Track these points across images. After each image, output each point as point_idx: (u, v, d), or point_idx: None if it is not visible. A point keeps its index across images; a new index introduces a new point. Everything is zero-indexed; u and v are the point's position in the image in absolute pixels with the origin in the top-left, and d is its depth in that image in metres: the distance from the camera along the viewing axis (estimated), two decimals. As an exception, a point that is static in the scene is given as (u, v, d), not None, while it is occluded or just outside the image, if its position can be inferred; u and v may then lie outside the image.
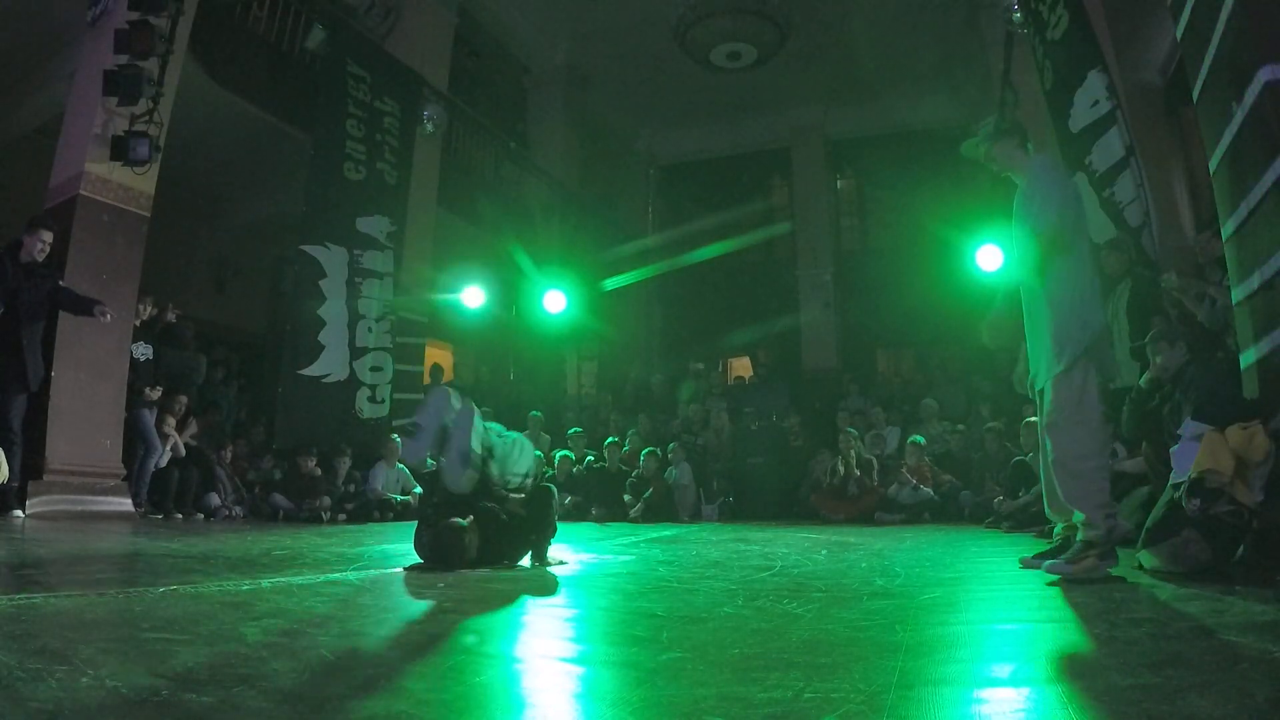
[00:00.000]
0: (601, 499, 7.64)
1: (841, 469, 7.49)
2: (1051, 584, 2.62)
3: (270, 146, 8.03)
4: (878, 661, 1.50)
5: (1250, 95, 2.98)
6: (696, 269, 13.35)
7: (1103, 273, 4.40)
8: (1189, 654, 1.53)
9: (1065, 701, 1.22)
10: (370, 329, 7.49)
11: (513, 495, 3.30)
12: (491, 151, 10.67)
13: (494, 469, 3.29)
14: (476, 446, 3.22)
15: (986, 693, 1.33)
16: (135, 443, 6.04)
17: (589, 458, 8.21)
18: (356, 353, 7.35)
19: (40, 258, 5.10)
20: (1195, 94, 3.53)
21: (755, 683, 1.33)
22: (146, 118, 5.85)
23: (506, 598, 2.46)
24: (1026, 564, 3.09)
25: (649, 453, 7.93)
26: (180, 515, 6.09)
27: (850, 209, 13.51)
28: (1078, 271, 2.89)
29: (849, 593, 2.48)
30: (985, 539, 4.93)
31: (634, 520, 7.31)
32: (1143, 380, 4.02)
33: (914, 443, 7.50)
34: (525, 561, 3.29)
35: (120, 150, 5.74)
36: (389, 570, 3.05)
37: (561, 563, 3.34)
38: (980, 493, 6.87)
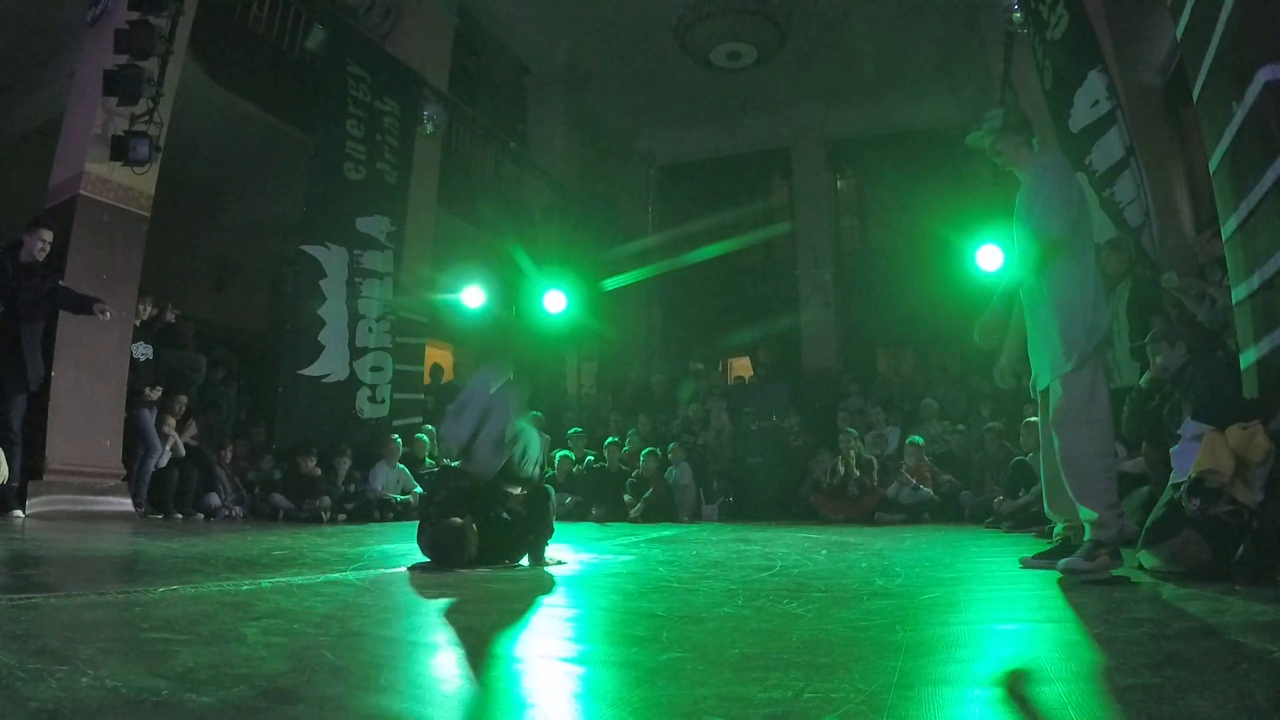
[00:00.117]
0: (601, 499, 7.63)
1: (842, 469, 7.49)
2: (1058, 582, 2.61)
3: (270, 146, 8.02)
4: (878, 661, 1.50)
5: (1250, 95, 2.98)
6: (696, 269, 13.35)
7: (1103, 272, 4.40)
8: (1189, 654, 1.53)
9: (1065, 701, 1.22)
10: (370, 329, 7.49)
11: (514, 493, 3.31)
12: (491, 151, 10.67)
13: (516, 453, 3.31)
14: (511, 431, 3.24)
15: (986, 693, 1.33)
16: (135, 443, 6.04)
17: (589, 458, 8.21)
18: (356, 353, 7.35)
19: (40, 257, 5.10)
20: (1195, 94, 3.53)
21: (755, 683, 1.33)
22: (146, 118, 5.85)
23: (506, 598, 2.46)
24: (1026, 564, 3.09)
25: (649, 453, 7.93)
26: (180, 515, 6.09)
27: (850, 209, 13.50)
28: (1083, 273, 2.88)
29: (849, 593, 2.48)
30: (985, 539, 4.93)
31: (634, 520, 7.31)
32: (1143, 380, 4.02)
33: (912, 443, 7.51)
34: (524, 561, 3.29)
35: (120, 150, 5.74)
36: (389, 570, 3.05)
37: (561, 563, 3.34)
38: (980, 493, 6.87)
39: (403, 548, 3.90)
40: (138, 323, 6.21)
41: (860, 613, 2.08)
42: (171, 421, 6.41)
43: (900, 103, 11.82)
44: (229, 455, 6.93)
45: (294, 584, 2.50)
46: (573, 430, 8.67)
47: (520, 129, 11.67)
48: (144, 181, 5.97)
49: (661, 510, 7.55)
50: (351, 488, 7.07)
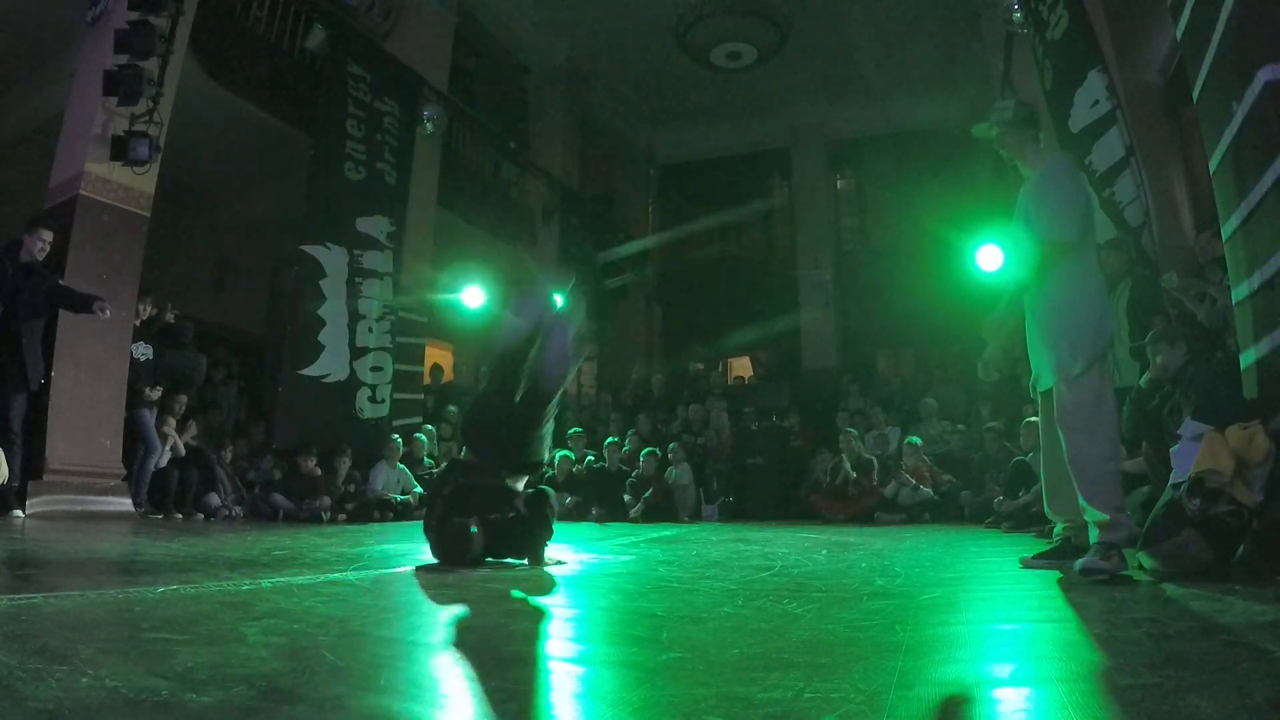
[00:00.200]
0: (601, 499, 7.63)
1: (845, 468, 7.49)
2: (1058, 582, 2.61)
3: (270, 146, 8.02)
4: (878, 661, 1.50)
5: (1250, 95, 2.98)
6: (696, 269, 13.36)
7: (1103, 272, 4.40)
8: (1189, 654, 1.53)
9: (1065, 701, 1.21)
10: (370, 329, 7.49)
11: (518, 491, 3.31)
12: (491, 151, 10.67)
13: (543, 431, 3.42)
14: (575, 347, 3.34)
15: (986, 693, 1.33)
16: (135, 443, 6.05)
17: (589, 458, 8.21)
18: (356, 353, 7.35)
19: (40, 257, 5.10)
20: (1195, 94, 3.53)
21: (755, 683, 1.33)
22: (146, 118, 5.85)
23: (506, 598, 2.46)
24: (1027, 564, 3.09)
25: (649, 453, 7.93)
26: (180, 515, 6.09)
27: (850, 209, 13.50)
28: (1087, 274, 2.87)
29: (849, 593, 2.48)
30: (985, 539, 4.93)
31: (634, 520, 7.31)
32: (1143, 380, 4.02)
33: (910, 443, 7.51)
34: (524, 561, 3.29)
35: (120, 150, 5.74)
36: (389, 570, 3.05)
37: (561, 563, 3.34)
38: (980, 493, 6.87)
39: (403, 547, 3.90)
40: (138, 323, 6.21)
41: (860, 613, 2.08)
42: (171, 421, 6.41)
43: (900, 103, 11.82)
44: (229, 455, 6.93)
45: (294, 584, 2.50)
46: (573, 430, 8.67)
47: (520, 129, 11.67)
48: (144, 181, 5.97)
49: (661, 510, 7.55)
50: (351, 488, 7.07)
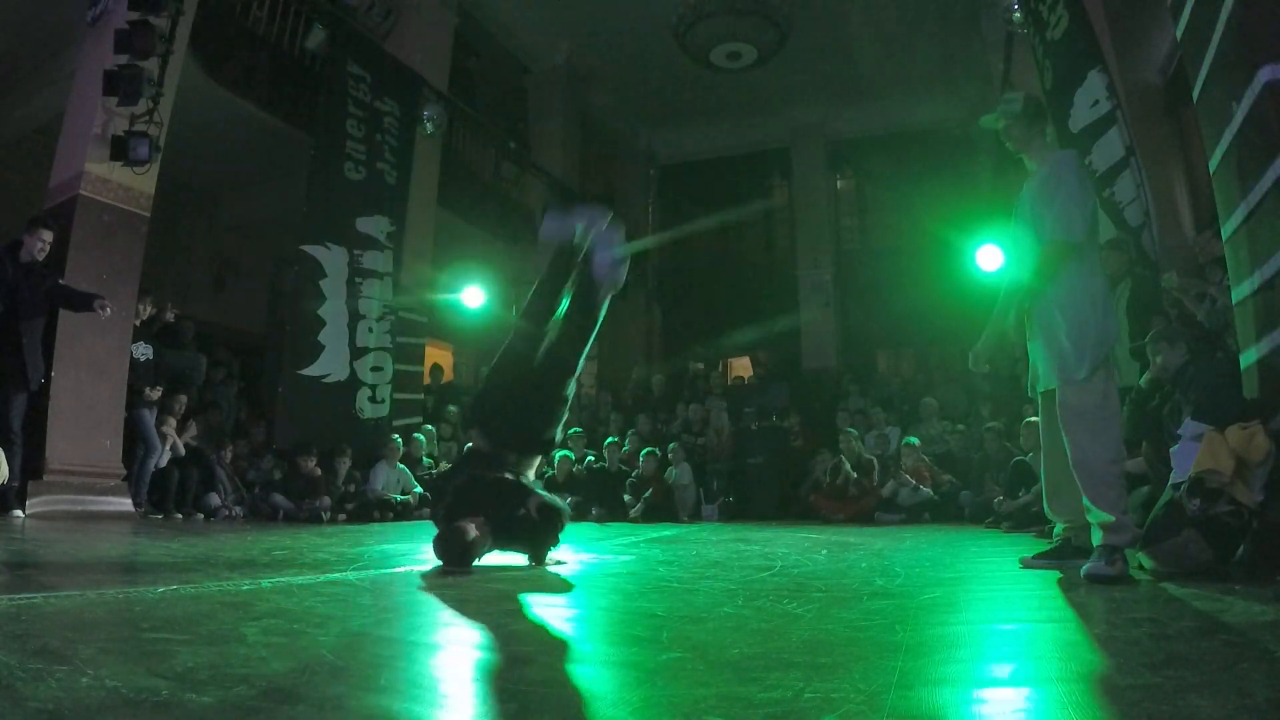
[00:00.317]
0: (601, 499, 7.64)
1: (845, 468, 7.49)
2: (1058, 582, 2.61)
3: (270, 146, 8.03)
4: (878, 661, 1.50)
5: (1250, 95, 2.98)
6: (696, 269, 13.36)
7: (1104, 273, 4.40)
8: (1189, 654, 1.53)
9: (1065, 702, 1.21)
10: (370, 329, 7.49)
11: (537, 493, 3.28)
12: (491, 151, 10.67)
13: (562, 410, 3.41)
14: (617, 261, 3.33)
15: (986, 693, 1.33)
16: (135, 443, 6.05)
17: (589, 458, 8.22)
18: (357, 353, 7.35)
19: (40, 257, 5.10)
20: (1195, 94, 3.52)
21: (755, 683, 1.33)
22: (146, 118, 5.85)
23: (507, 598, 2.46)
24: (1026, 564, 3.09)
25: (649, 453, 7.93)
26: (180, 515, 6.09)
27: (850, 209, 13.51)
28: (1093, 275, 2.85)
29: (849, 593, 2.48)
30: (985, 539, 4.93)
31: (634, 520, 7.31)
32: (1143, 380, 4.02)
33: (908, 444, 7.51)
34: (524, 561, 3.29)
35: (120, 150, 5.74)
36: (389, 570, 3.04)
37: (561, 563, 3.34)
38: (980, 493, 6.87)
39: (403, 547, 3.90)
40: (138, 323, 6.21)
41: (860, 613, 2.08)
42: (171, 421, 6.41)
43: (900, 103, 11.82)
44: (229, 455, 6.93)
45: (294, 584, 2.50)
46: (573, 430, 8.67)
47: (520, 129, 11.67)
48: (144, 181, 5.97)
49: (661, 510, 7.55)
50: (351, 488, 7.07)
